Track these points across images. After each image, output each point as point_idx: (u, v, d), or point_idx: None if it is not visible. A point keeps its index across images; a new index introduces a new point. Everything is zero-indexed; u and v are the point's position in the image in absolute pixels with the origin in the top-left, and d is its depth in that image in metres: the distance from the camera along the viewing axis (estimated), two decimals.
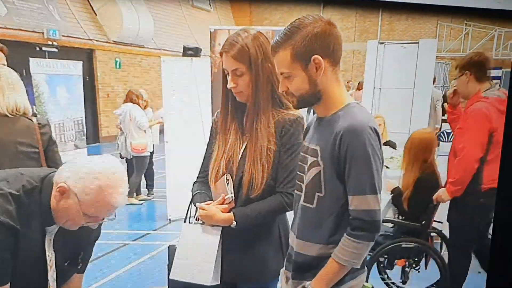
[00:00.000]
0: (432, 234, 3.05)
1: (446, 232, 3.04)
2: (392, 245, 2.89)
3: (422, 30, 15.19)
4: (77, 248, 1.47)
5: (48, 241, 1.38)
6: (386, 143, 4.32)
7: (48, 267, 1.38)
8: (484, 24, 14.18)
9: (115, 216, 1.39)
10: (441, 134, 6.72)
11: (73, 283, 1.55)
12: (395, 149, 4.31)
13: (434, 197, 2.79)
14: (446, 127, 6.98)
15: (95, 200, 1.30)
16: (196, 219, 1.62)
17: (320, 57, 1.26)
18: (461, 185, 2.61)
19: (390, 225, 3.12)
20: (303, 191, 1.36)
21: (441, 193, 2.76)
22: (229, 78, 1.54)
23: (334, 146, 1.27)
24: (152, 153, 5.69)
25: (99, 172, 1.31)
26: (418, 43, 5.88)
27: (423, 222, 2.89)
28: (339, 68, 1.34)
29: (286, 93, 1.34)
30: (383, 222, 3.03)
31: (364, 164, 1.25)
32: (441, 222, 3.10)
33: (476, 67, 2.61)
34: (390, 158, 4.09)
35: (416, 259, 2.94)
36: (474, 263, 3.60)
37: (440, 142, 6.70)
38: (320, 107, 1.35)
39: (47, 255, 1.38)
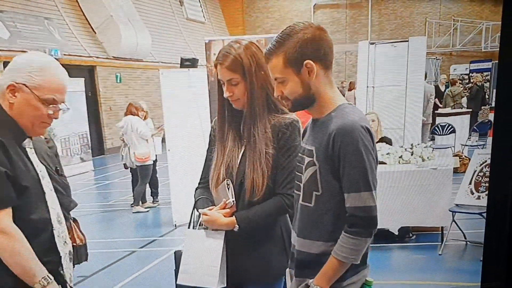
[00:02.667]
0: None
1: None
2: None
3: (411, 28, 15.32)
4: (54, 161, 1.55)
5: (32, 154, 1.44)
6: (381, 140, 4.38)
7: (41, 177, 1.42)
8: (471, 19, 14.33)
9: (67, 107, 1.47)
10: (436, 128, 6.82)
11: None
12: (391, 145, 4.36)
13: None
14: (440, 120, 7.10)
15: (43, 79, 1.38)
16: (199, 225, 1.65)
17: (312, 62, 1.31)
18: None
19: None
20: (301, 190, 1.40)
21: None
22: (224, 88, 1.59)
23: (328, 146, 1.31)
24: (155, 162, 5.80)
25: (35, 58, 1.41)
26: (408, 41, 6.03)
27: None
28: (332, 71, 1.38)
29: (281, 97, 1.39)
30: None
31: (358, 162, 1.27)
32: None
33: None
34: (387, 154, 4.11)
35: None
36: (475, 251, 3.72)
37: (435, 136, 6.82)
38: (314, 109, 1.39)
39: (35, 167, 1.42)
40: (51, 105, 1.40)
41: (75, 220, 2.61)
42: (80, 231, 1.69)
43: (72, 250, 1.51)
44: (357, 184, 1.28)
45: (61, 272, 1.44)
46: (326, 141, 1.31)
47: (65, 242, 1.47)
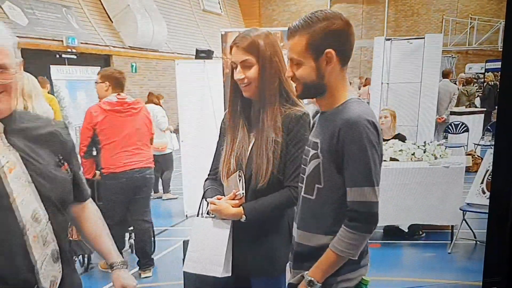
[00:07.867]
0: None
1: None
2: None
3: (427, 25, 15.12)
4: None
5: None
6: (395, 137, 4.38)
7: (5, 172, 1.14)
8: (489, 17, 14.08)
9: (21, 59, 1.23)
10: (449, 126, 6.78)
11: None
12: (404, 142, 4.34)
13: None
14: (453, 119, 7.04)
15: None
16: (207, 213, 1.66)
17: (333, 52, 1.30)
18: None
19: None
20: (304, 182, 1.40)
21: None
22: (237, 70, 1.56)
23: (333, 140, 1.30)
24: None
25: None
26: (424, 38, 5.97)
27: None
28: (347, 68, 1.37)
29: (292, 79, 1.38)
30: None
31: (361, 157, 1.26)
32: None
33: (112, 80, 3.20)
34: (400, 151, 4.10)
35: None
36: (484, 251, 3.71)
37: (449, 134, 6.78)
38: (323, 100, 1.38)
39: (1, 157, 1.16)
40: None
41: None
42: None
43: (58, 249, 1.23)
44: (360, 179, 1.27)
45: (39, 277, 1.17)
46: (331, 134, 1.31)
47: (46, 241, 1.19)
